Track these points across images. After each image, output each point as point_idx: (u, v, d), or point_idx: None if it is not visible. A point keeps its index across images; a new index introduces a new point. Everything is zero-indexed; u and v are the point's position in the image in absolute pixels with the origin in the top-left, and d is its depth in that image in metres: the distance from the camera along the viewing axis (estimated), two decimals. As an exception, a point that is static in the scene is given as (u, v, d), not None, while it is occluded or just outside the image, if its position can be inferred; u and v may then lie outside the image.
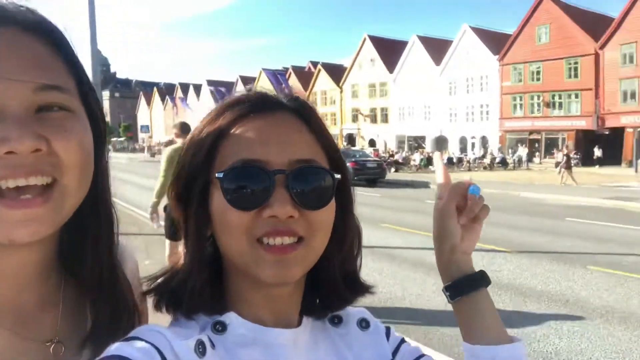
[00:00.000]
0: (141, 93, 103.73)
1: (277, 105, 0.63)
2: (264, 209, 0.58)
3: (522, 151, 36.44)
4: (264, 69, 58.75)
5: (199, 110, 75.75)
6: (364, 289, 0.73)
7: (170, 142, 6.25)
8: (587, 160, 33.83)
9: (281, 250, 0.58)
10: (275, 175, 0.58)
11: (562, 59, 35.84)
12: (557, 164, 26.07)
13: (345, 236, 0.69)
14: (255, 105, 0.62)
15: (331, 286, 0.69)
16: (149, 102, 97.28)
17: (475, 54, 41.81)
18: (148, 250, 8.12)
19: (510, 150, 38.04)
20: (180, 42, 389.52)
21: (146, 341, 0.54)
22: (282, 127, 0.62)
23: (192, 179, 0.62)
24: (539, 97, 37.95)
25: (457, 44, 43.31)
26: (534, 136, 38.91)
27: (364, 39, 50.76)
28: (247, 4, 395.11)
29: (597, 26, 34.64)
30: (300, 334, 0.66)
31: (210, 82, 75.41)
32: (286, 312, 0.66)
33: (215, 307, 0.62)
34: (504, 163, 34.46)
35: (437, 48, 44.69)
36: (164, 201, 5.11)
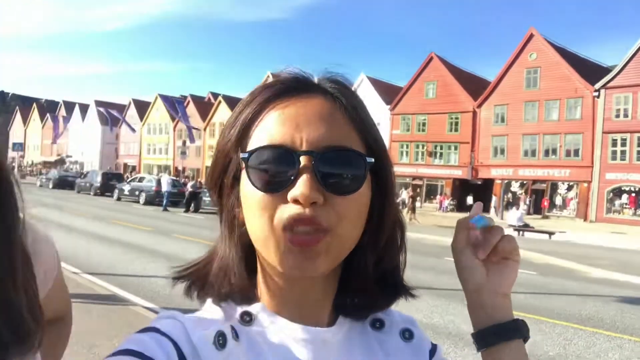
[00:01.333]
0: (17, 108, 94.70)
1: (309, 87, 0.60)
2: (288, 192, 0.53)
3: (405, 194, 38.85)
4: (160, 95, 56.87)
5: (83, 131, 71.08)
6: (403, 290, 0.67)
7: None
8: (462, 206, 36.95)
9: (305, 241, 0.53)
10: (300, 157, 0.54)
11: (445, 113, 39.30)
12: (402, 204, 29.23)
13: (382, 228, 0.62)
14: (287, 88, 0.59)
15: (363, 283, 0.63)
16: (25, 118, 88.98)
17: (370, 102, 43.96)
18: None
19: (404, 193, 40.27)
20: (69, 58, 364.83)
21: (162, 332, 0.53)
22: (314, 109, 0.58)
23: (226, 162, 0.60)
24: (423, 146, 41.05)
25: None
26: (416, 182, 41.77)
27: (267, 76, 51.60)
28: (144, 28, 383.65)
29: (476, 87, 38.78)
30: (332, 334, 0.62)
31: (99, 103, 71.01)
32: (317, 309, 0.62)
33: (246, 297, 0.60)
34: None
35: (334, 92, 46.67)
36: None
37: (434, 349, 0.70)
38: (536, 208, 34.78)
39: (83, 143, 70.78)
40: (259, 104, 0.59)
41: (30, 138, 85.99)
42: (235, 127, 0.59)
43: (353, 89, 0.63)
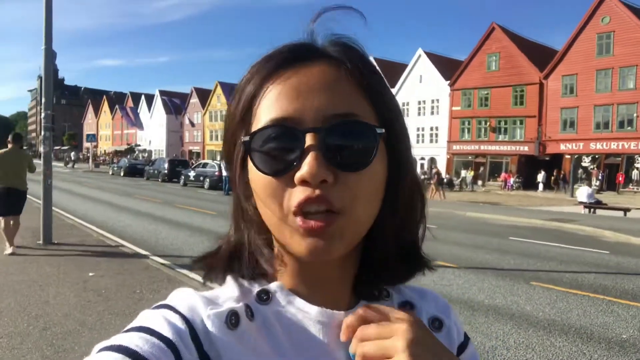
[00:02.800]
0: (89, 101, 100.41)
1: (311, 54, 0.55)
2: (295, 173, 0.50)
3: (467, 174, 37.81)
4: (220, 82, 58.33)
5: (149, 121, 74.31)
6: (423, 264, 0.62)
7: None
8: (529, 184, 35.44)
9: (318, 223, 0.50)
10: (306, 134, 0.50)
11: (509, 86, 37.61)
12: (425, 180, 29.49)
13: (400, 198, 0.57)
14: (286, 58, 0.54)
15: (384, 259, 0.59)
16: (97, 110, 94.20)
17: (428, 78, 43.24)
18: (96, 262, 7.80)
19: (463, 172, 39.27)
20: (132, 51, 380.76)
21: (175, 310, 0.52)
22: (315, 78, 0.53)
23: (233, 144, 0.57)
24: (486, 122, 39.55)
25: (411, 68, 44.67)
26: (480, 159, 40.43)
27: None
28: (203, 17, 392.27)
29: (542, 57, 36.71)
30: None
31: (163, 93, 73.97)
32: (336, 289, 0.59)
33: (265, 276, 0.58)
34: (450, 184, 35.58)
35: (391, 70, 45.88)
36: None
37: (465, 343, 0.65)
38: (610, 184, 32.73)
39: (150, 132, 74.01)
40: (260, 80, 0.54)
41: (102, 129, 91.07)
42: (237, 108, 0.56)
43: (361, 51, 0.57)
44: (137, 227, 11.85)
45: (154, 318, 0.51)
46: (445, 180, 31.10)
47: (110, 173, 40.39)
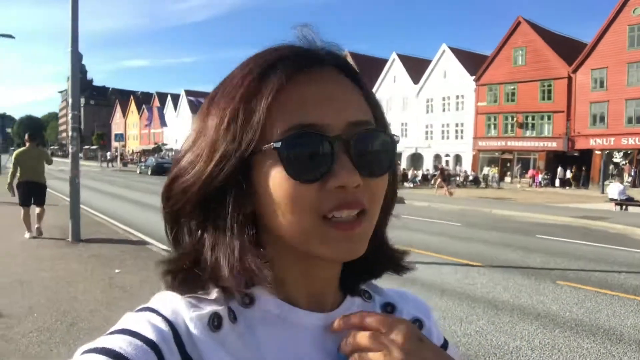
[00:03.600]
0: (117, 101, 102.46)
1: (321, 61, 0.56)
2: (329, 180, 0.51)
3: (490, 171, 37.28)
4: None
5: (176, 120, 75.39)
6: (398, 254, 0.65)
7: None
8: (559, 181, 34.67)
9: (349, 226, 0.52)
10: (336, 141, 0.51)
11: (536, 81, 36.79)
12: (431, 177, 29.04)
13: (392, 202, 0.62)
14: (298, 63, 0.54)
15: (371, 256, 0.60)
16: (124, 110, 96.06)
17: (453, 73, 42.67)
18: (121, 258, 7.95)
19: (486, 169, 38.72)
20: (156, 51, 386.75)
21: (158, 312, 0.52)
22: (333, 85, 0.54)
23: (227, 155, 0.53)
24: (512, 117, 38.84)
25: (435, 63, 44.13)
26: (506, 156, 39.73)
27: (345, 55, 51.21)
28: (226, 17, 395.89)
29: (570, 50, 35.77)
30: (335, 319, 0.59)
31: (189, 92, 74.89)
32: (323, 292, 0.60)
33: (249, 281, 0.56)
34: (476, 181, 35.08)
35: (415, 66, 45.49)
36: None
37: (444, 346, 0.66)
38: (643, 179, 31.77)
39: (176, 131, 75.10)
40: (276, 85, 0.52)
41: (130, 128, 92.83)
42: (248, 113, 0.52)
43: (346, 58, 0.59)
44: (162, 224, 12.04)
45: (138, 321, 0.51)
46: (461, 176, 30.90)
47: (138, 172, 41.16)
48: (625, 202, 17.77)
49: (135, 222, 12.22)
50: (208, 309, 0.53)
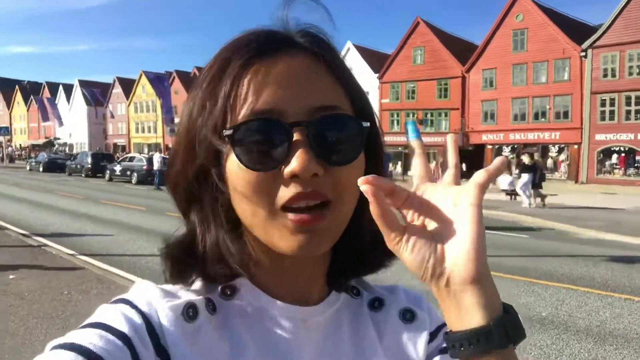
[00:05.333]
0: None
1: (288, 44, 0.53)
2: (284, 168, 0.49)
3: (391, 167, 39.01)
4: (144, 72, 55.95)
5: (69, 113, 70.01)
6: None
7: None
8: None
9: (307, 220, 0.49)
10: (293, 128, 0.49)
11: (434, 79, 39.03)
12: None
13: None
14: (261, 48, 0.52)
15: (361, 252, 0.59)
16: (9, 101, 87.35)
17: (358, 71, 43.56)
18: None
19: (390, 166, 40.39)
20: (46, 37, 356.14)
21: (132, 304, 0.51)
22: (298, 69, 0.52)
23: (195, 137, 0.53)
24: (413, 114, 40.89)
25: (341, 60, 45.13)
26: (409, 151, 41.73)
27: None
28: (125, 3, 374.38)
29: (463, 51, 38.42)
30: (317, 313, 0.58)
31: (83, 83, 69.89)
32: (306, 287, 0.58)
33: (232, 273, 0.55)
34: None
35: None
36: None
37: (441, 327, 0.63)
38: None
39: (70, 124, 69.83)
40: (236, 69, 0.51)
41: (16, 121, 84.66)
42: (206, 97, 0.52)
43: (332, 43, 0.57)
44: (61, 225, 11.20)
45: (111, 313, 0.50)
46: None
47: (28, 168, 37.79)
48: (514, 192, 19.48)
49: (28, 222, 11.26)
50: (184, 299, 0.52)
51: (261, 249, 0.55)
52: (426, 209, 0.46)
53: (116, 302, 0.52)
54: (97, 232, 10.33)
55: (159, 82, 32.18)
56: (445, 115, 39.27)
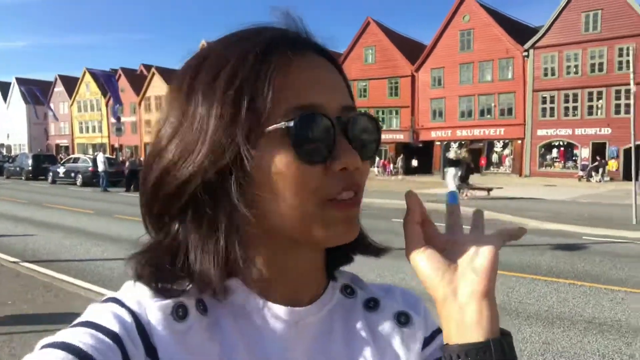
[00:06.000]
0: None
1: (311, 45, 0.56)
2: (333, 162, 0.50)
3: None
4: (88, 69, 53.82)
5: (6, 112, 66.34)
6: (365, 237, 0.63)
7: None
8: (406, 169, 37.96)
9: (349, 206, 0.52)
10: (337, 123, 0.51)
11: (385, 78, 39.73)
12: None
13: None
14: (292, 45, 0.53)
15: (351, 245, 0.58)
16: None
17: (309, 68, 44.05)
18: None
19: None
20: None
21: (122, 303, 0.50)
22: (324, 69, 0.55)
23: (228, 142, 0.49)
24: (365, 112, 41.39)
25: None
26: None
27: (202, 45, 49.59)
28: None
29: (413, 51, 39.33)
30: (309, 314, 0.57)
31: (22, 81, 66.43)
32: (298, 288, 0.58)
33: (226, 272, 0.53)
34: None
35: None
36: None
37: (437, 332, 0.63)
38: (474, 167, 36.29)
39: (7, 124, 66.22)
40: (276, 68, 0.50)
41: (-54, 122, 79.39)
42: (256, 96, 0.49)
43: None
44: (1, 231, 10.61)
45: (101, 312, 0.50)
46: None
47: (-40, 172, 35.55)
48: (459, 187, 20.08)
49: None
50: (175, 298, 0.52)
51: (256, 249, 0.54)
52: (449, 239, 0.53)
53: (106, 301, 0.52)
54: (42, 238, 9.86)
55: (107, 79, 30.97)
56: (396, 113, 40.01)
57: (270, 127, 0.49)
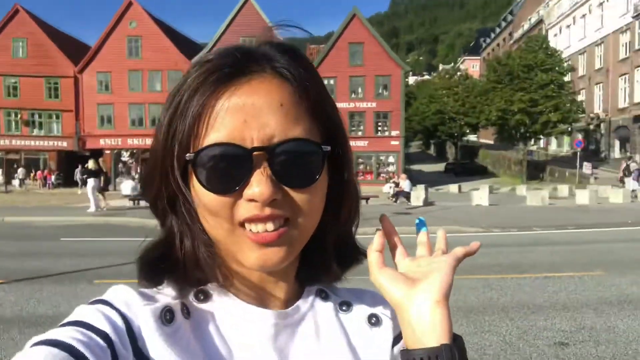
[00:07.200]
0: None
1: (254, 65, 0.54)
2: (244, 191, 0.51)
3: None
4: None
5: None
6: (361, 255, 0.66)
7: None
8: (72, 181, 34.38)
9: (265, 238, 0.52)
10: (253, 153, 0.51)
11: (42, 77, 35.16)
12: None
13: (343, 206, 0.62)
14: (229, 73, 0.53)
15: (322, 258, 0.63)
16: None
17: None
18: None
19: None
20: None
21: (112, 305, 0.52)
22: (262, 97, 0.52)
23: (171, 159, 0.55)
24: (17, 114, 35.68)
25: None
26: (12, 156, 36.25)
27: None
28: None
29: (76, 50, 36.10)
30: (286, 316, 0.60)
31: None
32: (275, 291, 0.61)
33: (204, 278, 0.58)
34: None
35: None
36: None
37: (400, 336, 0.63)
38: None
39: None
40: (203, 97, 0.52)
41: None
42: (176, 122, 0.54)
43: (307, 60, 0.57)
44: None
45: (90, 313, 0.50)
46: None
47: None
48: (138, 197, 19.56)
49: None
50: (162, 302, 0.54)
51: (230, 256, 0.58)
52: (413, 259, 0.60)
53: (95, 302, 0.52)
54: None
55: None
56: (57, 117, 35.95)
57: (187, 156, 0.52)
